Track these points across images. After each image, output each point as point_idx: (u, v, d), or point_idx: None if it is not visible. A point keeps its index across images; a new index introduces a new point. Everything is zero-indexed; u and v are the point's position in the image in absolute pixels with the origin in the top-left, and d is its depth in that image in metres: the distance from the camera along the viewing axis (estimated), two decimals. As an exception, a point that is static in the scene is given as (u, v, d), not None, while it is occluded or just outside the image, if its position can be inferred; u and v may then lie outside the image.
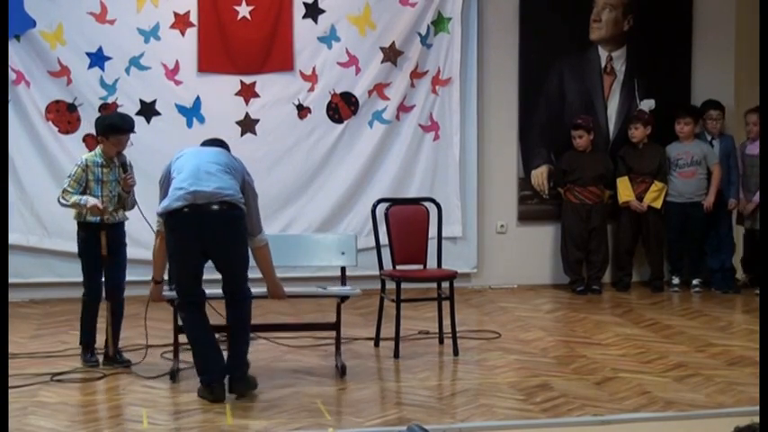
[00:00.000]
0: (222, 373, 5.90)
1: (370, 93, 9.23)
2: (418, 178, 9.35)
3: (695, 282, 9.39)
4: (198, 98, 8.99)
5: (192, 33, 8.96)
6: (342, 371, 6.40)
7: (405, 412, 5.72)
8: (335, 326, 6.60)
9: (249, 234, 5.94)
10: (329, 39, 9.15)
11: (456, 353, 6.99)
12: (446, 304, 7.16)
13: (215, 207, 5.75)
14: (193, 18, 8.95)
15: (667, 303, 8.99)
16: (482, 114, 9.49)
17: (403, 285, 7.09)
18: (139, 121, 8.77)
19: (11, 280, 7.78)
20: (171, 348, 6.50)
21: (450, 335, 7.05)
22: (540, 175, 9.65)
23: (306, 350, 7.04)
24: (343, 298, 6.57)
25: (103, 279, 6.66)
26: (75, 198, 6.46)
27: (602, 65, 9.70)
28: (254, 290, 6.08)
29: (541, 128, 9.61)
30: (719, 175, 9.32)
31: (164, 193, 5.93)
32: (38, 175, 8.77)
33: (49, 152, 8.77)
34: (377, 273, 7.33)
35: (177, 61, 8.94)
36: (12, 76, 8.59)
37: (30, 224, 8.79)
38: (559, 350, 7.18)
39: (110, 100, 8.83)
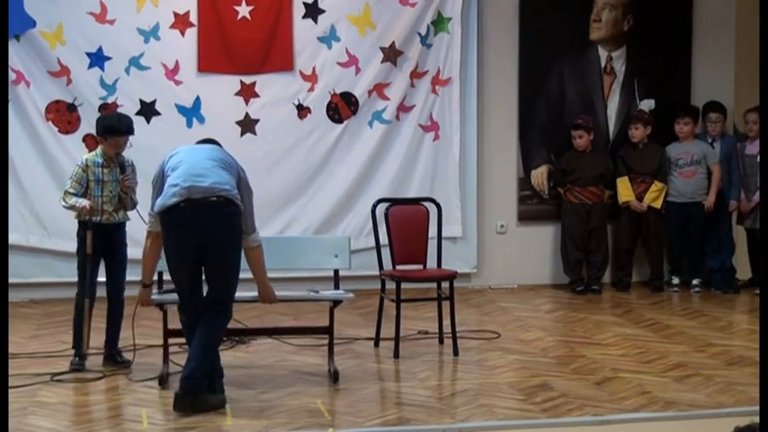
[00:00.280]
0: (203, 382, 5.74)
1: (369, 93, 9.23)
2: (418, 178, 9.35)
3: (695, 282, 9.39)
4: (198, 98, 9.00)
5: (191, 33, 8.96)
6: (334, 376, 6.29)
7: (405, 412, 5.72)
8: (328, 329, 6.48)
9: (243, 233, 5.80)
10: (329, 39, 9.15)
11: (456, 353, 6.98)
12: (446, 304, 7.16)
13: (213, 199, 5.63)
14: (193, 18, 8.95)
15: (667, 303, 9.00)
16: (482, 114, 9.50)
17: (403, 285, 7.09)
18: (139, 122, 8.79)
19: (11, 280, 7.78)
20: (178, 349, 6.47)
21: (450, 335, 7.05)
22: (540, 175, 9.65)
23: (306, 350, 7.04)
24: (336, 302, 6.43)
25: (104, 279, 6.66)
26: (72, 200, 6.50)
27: (602, 65, 9.70)
28: (246, 293, 5.97)
29: (541, 128, 9.62)
30: (720, 174, 9.32)
31: (157, 192, 5.80)
32: (38, 175, 8.77)
33: (49, 152, 8.77)
34: (377, 273, 7.33)
35: (177, 61, 8.94)
36: (12, 76, 8.59)
37: (30, 224, 8.80)
38: (559, 350, 7.18)
39: (110, 100, 8.83)
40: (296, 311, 8.09)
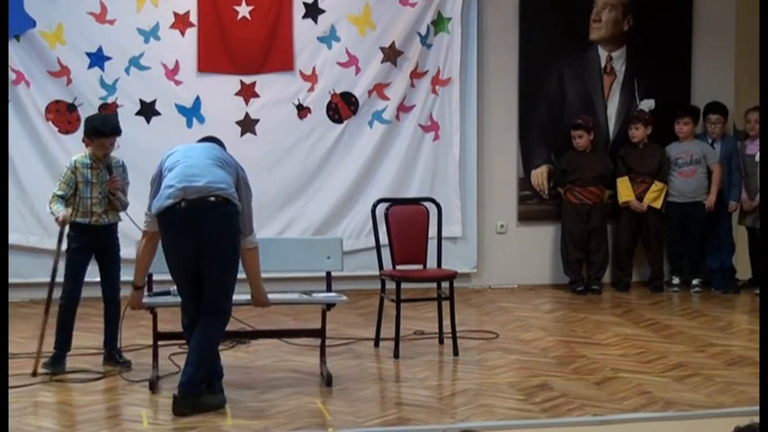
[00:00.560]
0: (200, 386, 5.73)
1: (369, 93, 9.23)
2: (418, 178, 9.35)
3: (695, 282, 9.39)
4: (198, 98, 8.99)
5: (191, 33, 8.96)
6: (327, 379, 6.23)
7: (405, 412, 5.72)
8: (320, 332, 6.44)
9: (241, 233, 5.73)
10: (329, 39, 9.15)
11: (456, 353, 6.98)
12: (446, 304, 7.16)
13: (211, 199, 5.57)
14: (193, 18, 8.94)
15: (667, 303, 9.00)
16: (482, 114, 9.49)
17: (403, 285, 7.09)
18: (139, 122, 8.80)
19: (11, 280, 7.77)
20: (179, 350, 6.47)
21: (450, 335, 7.05)
22: (539, 175, 9.65)
23: (307, 350, 7.03)
24: (330, 305, 6.37)
25: (100, 279, 6.67)
26: (54, 207, 6.47)
27: (602, 65, 9.70)
28: (240, 296, 5.92)
29: (541, 128, 9.61)
30: (720, 173, 9.32)
31: (155, 191, 5.76)
32: (38, 175, 8.76)
33: (49, 152, 8.76)
34: (377, 273, 7.33)
35: (177, 61, 8.94)
36: (12, 76, 8.59)
37: (30, 224, 8.79)
38: (559, 350, 7.18)
39: (110, 100, 8.83)
40: (296, 312, 8.07)
